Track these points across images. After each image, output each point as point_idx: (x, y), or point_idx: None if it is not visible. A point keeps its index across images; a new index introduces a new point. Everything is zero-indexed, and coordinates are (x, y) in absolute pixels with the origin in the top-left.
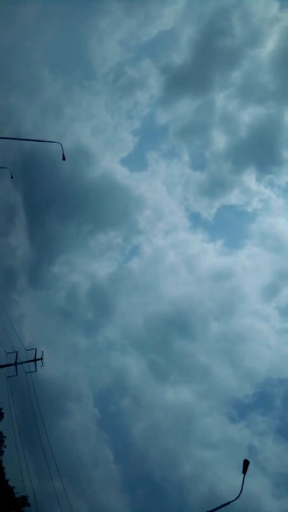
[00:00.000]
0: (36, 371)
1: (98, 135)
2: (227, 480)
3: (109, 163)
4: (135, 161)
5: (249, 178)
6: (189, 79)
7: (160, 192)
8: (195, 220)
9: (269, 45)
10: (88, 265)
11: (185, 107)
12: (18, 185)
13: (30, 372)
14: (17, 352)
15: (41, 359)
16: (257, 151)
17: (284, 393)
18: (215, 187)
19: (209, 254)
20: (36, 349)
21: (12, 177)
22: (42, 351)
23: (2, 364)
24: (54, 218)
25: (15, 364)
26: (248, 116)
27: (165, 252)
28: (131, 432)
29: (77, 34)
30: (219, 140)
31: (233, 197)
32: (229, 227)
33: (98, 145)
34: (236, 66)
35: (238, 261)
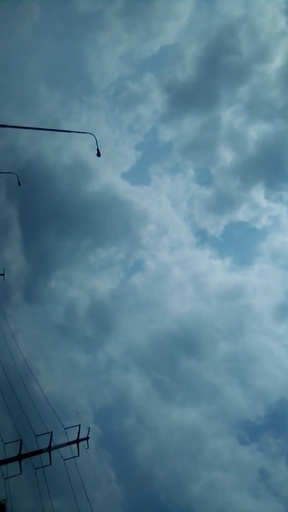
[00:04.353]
0: (78, 455)
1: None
2: (238, 504)
3: (110, 178)
4: (138, 175)
5: (258, 194)
6: (194, 95)
7: (164, 207)
8: (202, 236)
9: (277, 61)
10: (88, 280)
11: (190, 123)
12: (14, 198)
13: (70, 458)
14: (51, 432)
15: (87, 438)
16: (266, 168)
17: None
18: (222, 203)
19: (217, 271)
20: (80, 425)
21: (19, 184)
22: (88, 428)
23: (30, 450)
24: (52, 232)
25: (49, 449)
26: (256, 132)
27: (170, 268)
28: (135, 452)
29: (75, 49)
30: (226, 156)
31: (241, 214)
32: (238, 244)
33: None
34: (243, 82)
35: (248, 279)
